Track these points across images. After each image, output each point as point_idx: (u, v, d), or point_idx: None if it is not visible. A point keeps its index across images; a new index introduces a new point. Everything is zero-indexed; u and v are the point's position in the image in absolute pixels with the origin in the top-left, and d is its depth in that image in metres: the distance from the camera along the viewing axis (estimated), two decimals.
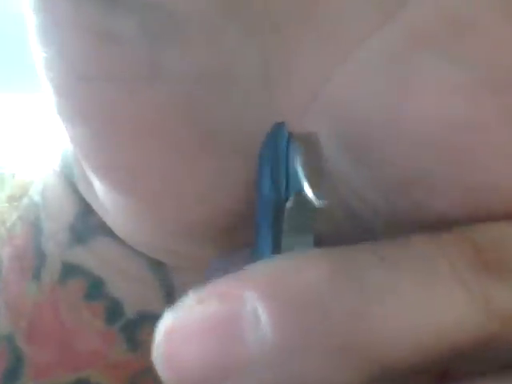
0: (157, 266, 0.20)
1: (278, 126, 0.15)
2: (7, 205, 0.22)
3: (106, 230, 0.20)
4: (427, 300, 0.13)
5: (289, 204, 0.14)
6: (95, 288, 0.20)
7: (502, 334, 0.13)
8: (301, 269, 0.13)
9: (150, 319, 0.21)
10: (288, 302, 0.12)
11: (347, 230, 0.16)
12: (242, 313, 0.12)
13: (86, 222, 0.20)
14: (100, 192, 0.18)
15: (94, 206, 0.20)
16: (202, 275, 0.18)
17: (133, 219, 0.18)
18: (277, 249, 0.15)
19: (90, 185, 0.19)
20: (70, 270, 0.20)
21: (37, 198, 0.21)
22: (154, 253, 0.20)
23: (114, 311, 0.21)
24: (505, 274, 0.14)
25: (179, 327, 0.13)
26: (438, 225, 0.15)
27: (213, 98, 0.15)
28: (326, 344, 0.12)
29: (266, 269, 0.13)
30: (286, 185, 0.14)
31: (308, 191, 0.13)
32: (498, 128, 0.14)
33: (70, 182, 0.20)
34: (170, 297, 0.20)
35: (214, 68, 0.15)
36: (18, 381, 0.21)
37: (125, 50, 0.14)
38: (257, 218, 0.15)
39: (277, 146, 0.15)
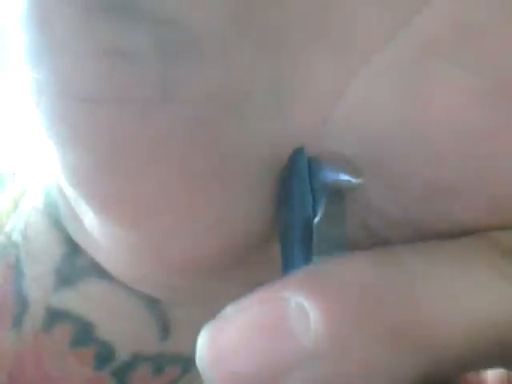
0: (152, 302, 0.19)
1: (298, 151, 0.15)
2: None
3: (96, 271, 0.19)
4: (469, 287, 0.13)
5: (317, 220, 0.14)
6: (84, 333, 0.19)
7: None
8: (344, 263, 0.13)
9: (144, 361, 0.20)
10: (337, 294, 0.12)
11: (360, 242, 0.16)
12: (287, 310, 0.12)
13: (74, 263, 0.19)
14: (94, 227, 0.17)
15: (83, 245, 0.19)
16: (200, 309, 0.17)
17: (135, 255, 0.17)
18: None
19: (78, 222, 0.18)
20: (55, 316, 0.19)
21: (16, 237, 0.20)
22: (152, 289, 0.18)
23: (104, 356, 0.19)
24: None
25: (225, 332, 0.13)
26: (461, 235, 0.15)
27: (226, 120, 0.14)
28: (380, 332, 0.12)
29: (304, 271, 0.13)
30: (313, 203, 0.14)
31: (343, 176, 0.13)
32: None
33: (55, 221, 0.19)
34: (166, 333, 0.19)
35: (228, 86, 0.14)
36: None
37: (137, 69, 0.13)
38: (284, 240, 0.15)
39: (298, 168, 0.15)
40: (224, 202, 0.15)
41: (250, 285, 0.18)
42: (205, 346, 0.13)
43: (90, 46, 0.13)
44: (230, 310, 0.13)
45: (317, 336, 0.12)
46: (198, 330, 0.20)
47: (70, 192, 0.17)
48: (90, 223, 0.17)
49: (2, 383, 0.19)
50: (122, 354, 0.19)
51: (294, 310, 0.12)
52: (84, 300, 0.19)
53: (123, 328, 0.19)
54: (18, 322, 0.19)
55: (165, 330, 0.19)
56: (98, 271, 0.19)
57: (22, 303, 0.19)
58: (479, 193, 0.15)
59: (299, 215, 0.15)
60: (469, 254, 0.14)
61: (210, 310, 0.19)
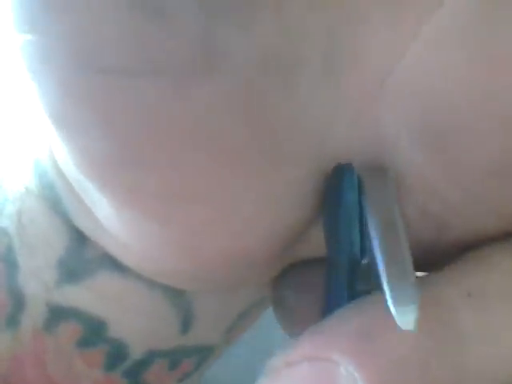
0: (176, 295, 0.17)
1: (344, 168, 0.13)
2: None
3: (107, 263, 0.16)
4: None
5: (364, 262, 0.14)
6: (93, 332, 0.17)
7: None
8: (389, 324, 0.12)
9: (160, 357, 0.18)
10: (383, 364, 0.12)
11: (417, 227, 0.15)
12: (337, 376, 0.12)
13: (81, 256, 0.16)
14: (109, 219, 0.15)
15: (91, 235, 0.16)
16: (222, 298, 0.18)
17: (163, 251, 0.14)
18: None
19: (85, 209, 0.15)
20: (58, 314, 0.17)
21: (6, 224, 0.17)
22: (177, 281, 0.16)
23: (116, 355, 0.17)
24: None
25: None
26: None
27: (276, 91, 0.12)
28: None
29: (350, 325, 0.13)
30: (361, 245, 0.13)
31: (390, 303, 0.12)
32: None
33: (54, 206, 0.16)
34: (187, 326, 0.18)
35: (278, 49, 0.12)
36: None
37: (175, 30, 0.11)
38: (328, 276, 0.14)
39: (344, 195, 0.13)
40: (268, 191, 0.13)
41: (275, 271, 0.17)
42: None
43: (117, 1, 0.10)
44: (278, 362, 0.13)
45: None
46: (216, 319, 0.18)
47: (76, 177, 0.15)
48: (104, 213, 0.15)
49: None
50: (136, 351, 0.18)
51: (344, 377, 0.12)
52: (93, 295, 0.17)
53: (139, 324, 0.17)
54: (13, 321, 0.17)
55: (186, 322, 0.17)
56: (110, 263, 0.16)
57: (18, 300, 0.17)
58: None
59: (344, 252, 0.14)
60: None
61: (232, 297, 0.17)
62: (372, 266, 0.13)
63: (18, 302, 0.17)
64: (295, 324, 0.18)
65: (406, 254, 0.12)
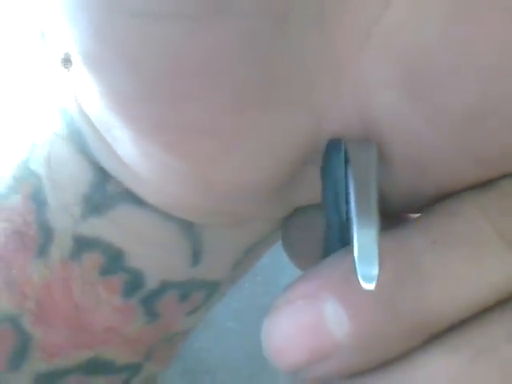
0: (187, 226, 0.19)
1: (335, 143, 0.16)
2: None
3: (127, 198, 0.18)
4: (477, 269, 0.15)
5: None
6: (113, 261, 0.19)
7: None
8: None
9: (172, 288, 0.20)
10: (360, 300, 0.15)
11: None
12: (324, 310, 0.15)
13: (104, 191, 0.18)
14: (130, 155, 0.17)
15: (114, 172, 0.18)
16: (231, 231, 0.19)
17: (179, 182, 0.16)
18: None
19: (108, 149, 0.17)
20: (83, 244, 0.19)
21: (35, 167, 0.19)
22: (189, 213, 0.18)
23: (133, 283, 0.19)
24: None
25: (277, 328, 0.16)
26: (501, 166, 0.15)
27: (273, 37, 0.14)
28: (393, 326, 0.15)
29: (335, 271, 0.15)
30: (347, 209, 0.16)
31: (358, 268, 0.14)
32: None
33: (81, 148, 0.18)
34: (198, 258, 0.19)
35: (274, 2, 0.13)
36: (26, 361, 0.20)
37: None
38: (325, 230, 0.17)
39: (334, 167, 0.16)
40: (267, 131, 0.15)
41: (282, 207, 0.19)
42: (265, 339, 0.16)
43: None
44: (279, 301, 0.16)
45: (345, 332, 0.15)
46: (224, 254, 0.20)
47: (101, 119, 0.17)
48: (126, 151, 0.17)
49: (30, 311, 0.19)
50: (151, 281, 0.19)
51: (330, 309, 0.15)
52: (114, 227, 0.19)
53: (154, 255, 0.19)
54: (43, 251, 0.19)
55: (197, 255, 0.19)
56: (130, 198, 0.18)
57: (47, 232, 0.19)
58: None
59: (333, 214, 0.16)
60: (481, 226, 0.15)
61: (240, 232, 0.19)
62: (348, 223, 0.15)
63: (47, 234, 0.19)
64: (301, 258, 0.20)
65: (374, 218, 0.14)
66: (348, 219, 0.15)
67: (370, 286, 0.14)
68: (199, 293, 0.21)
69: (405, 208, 0.17)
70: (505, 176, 0.16)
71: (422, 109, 0.15)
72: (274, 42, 0.14)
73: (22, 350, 0.20)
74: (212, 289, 0.21)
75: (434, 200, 0.16)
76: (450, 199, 0.16)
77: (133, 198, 0.18)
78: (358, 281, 0.14)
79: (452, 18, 0.14)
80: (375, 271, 0.14)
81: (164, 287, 0.20)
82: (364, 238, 0.14)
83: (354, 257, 0.14)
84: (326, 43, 0.14)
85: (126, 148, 0.16)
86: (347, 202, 0.15)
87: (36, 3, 0.19)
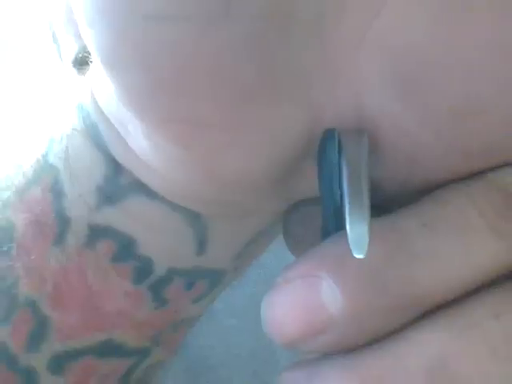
0: (194, 217, 0.20)
1: (329, 132, 0.17)
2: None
3: (138, 189, 0.20)
4: (464, 252, 0.16)
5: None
6: (125, 248, 0.20)
7: None
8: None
9: (178, 275, 0.21)
10: (353, 278, 0.16)
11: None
12: (320, 288, 0.16)
13: (117, 183, 0.20)
14: (142, 148, 0.18)
15: (127, 165, 0.20)
16: (236, 222, 0.21)
17: (187, 173, 0.18)
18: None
19: (122, 143, 0.19)
20: (97, 233, 0.20)
21: (54, 160, 0.20)
22: (196, 204, 0.20)
23: (143, 270, 0.21)
24: None
25: (277, 304, 0.17)
26: (487, 160, 0.16)
27: (277, 39, 0.15)
28: (383, 302, 0.16)
29: (331, 252, 0.17)
30: (341, 194, 0.17)
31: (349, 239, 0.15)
32: None
33: (97, 142, 0.20)
34: (203, 247, 0.21)
35: (278, 6, 0.15)
36: (44, 343, 0.21)
37: None
38: (322, 215, 0.18)
39: (328, 154, 0.17)
40: (270, 124, 0.17)
41: (282, 200, 0.20)
42: (264, 314, 0.17)
43: None
44: (279, 280, 0.17)
45: (339, 308, 0.16)
46: (227, 244, 0.21)
47: (115, 114, 0.18)
48: (138, 144, 0.18)
49: (48, 294, 0.21)
50: (160, 268, 0.21)
51: (326, 286, 0.16)
52: (126, 216, 0.20)
53: (163, 243, 0.20)
54: (60, 239, 0.20)
55: (202, 244, 0.21)
56: (141, 189, 0.20)
57: (64, 221, 0.20)
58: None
59: (328, 200, 0.17)
60: (468, 212, 0.16)
61: (242, 224, 0.21)
62: (342, 208, 0.16)
63: (64, 223, 0.20)
64: (302, 250, 0.21)
65: (365, 200, 0.16)
66: (342, 203, 0.16)
67: (360, 255, 0.15)
68: (203, 281, 0.22)
69: (397, 197, 0.19)
70: (492, 168, 0.17)
71: (412, 107, 0.16)
72: (277, 43, 0.15)
73: (40, 332, 0.21)
74: (215, 278, 0.22)
75: (424, 191, 0.18)
76: (441, 189, 0.17)
77: (144, 190, 0.20)
78: (351, 249, 0.15)
79: (438, 19, 0.15)
80: (365, 239, 0.15)
81: (171, 274, 0.21)
82: (355, 216, 0.15)
83: (346, 229, 0.15)
84: (324, 44, 0.16)
85: (138, 141, 0.18)
86: (341, 187, 0.17)
87: (46, 5, 0.20)
